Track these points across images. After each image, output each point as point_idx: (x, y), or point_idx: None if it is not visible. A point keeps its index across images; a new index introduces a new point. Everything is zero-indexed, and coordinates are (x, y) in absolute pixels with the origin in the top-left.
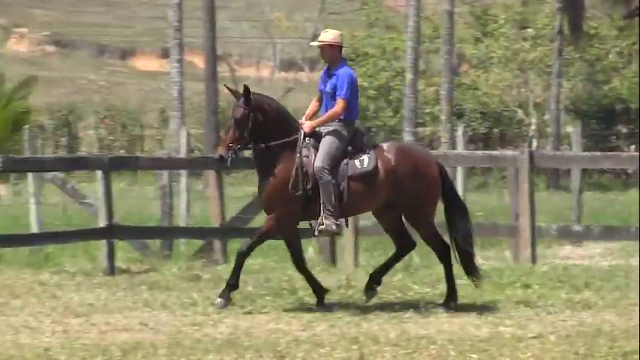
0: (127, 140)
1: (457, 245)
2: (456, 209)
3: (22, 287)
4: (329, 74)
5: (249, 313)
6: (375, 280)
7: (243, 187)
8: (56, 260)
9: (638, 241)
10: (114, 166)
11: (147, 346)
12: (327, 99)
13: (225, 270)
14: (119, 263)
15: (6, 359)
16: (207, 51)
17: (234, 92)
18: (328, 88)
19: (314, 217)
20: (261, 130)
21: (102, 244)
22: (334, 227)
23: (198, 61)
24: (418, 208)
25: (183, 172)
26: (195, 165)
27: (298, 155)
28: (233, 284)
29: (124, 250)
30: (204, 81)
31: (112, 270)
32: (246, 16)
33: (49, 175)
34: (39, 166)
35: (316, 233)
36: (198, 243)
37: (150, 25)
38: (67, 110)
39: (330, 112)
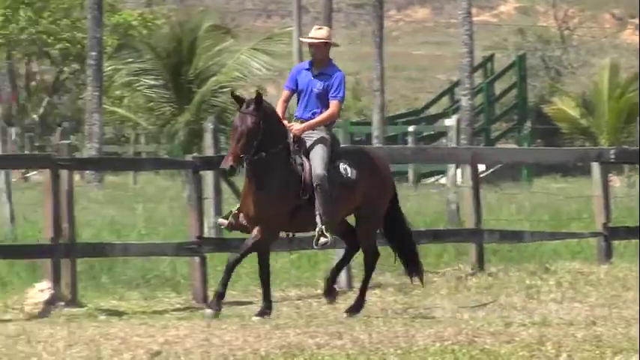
0: None
1: (403, 247)
2: (400, 215)
3: (634, 279)
4: (316, 73)
5: None
6: (331, 283)
7: None
8: None
9: None
10: None
11: None
12: (314, 98)
13: None
14: None
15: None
16: None
17: (238, 98)
18: (318, 88)
19: (300, 228)
20: (265, 138)
21: None
22: (331, 239)
23: None
24: (374, 215)
25: None
26: None
27: (293, 163)
28: (221, 293)
29: None
30: None
31: None
32: None
33: None
34: None
35: (315, 247)
36: None
37: None
38: None
39: (327, 113)
